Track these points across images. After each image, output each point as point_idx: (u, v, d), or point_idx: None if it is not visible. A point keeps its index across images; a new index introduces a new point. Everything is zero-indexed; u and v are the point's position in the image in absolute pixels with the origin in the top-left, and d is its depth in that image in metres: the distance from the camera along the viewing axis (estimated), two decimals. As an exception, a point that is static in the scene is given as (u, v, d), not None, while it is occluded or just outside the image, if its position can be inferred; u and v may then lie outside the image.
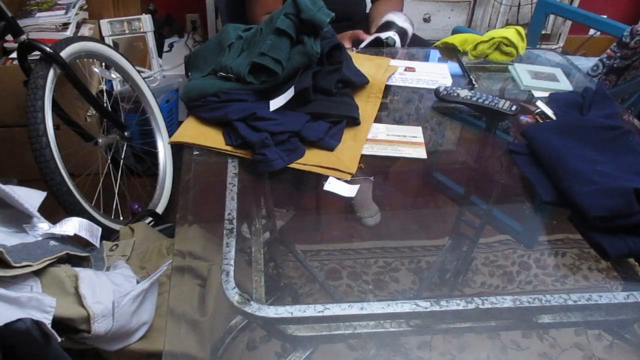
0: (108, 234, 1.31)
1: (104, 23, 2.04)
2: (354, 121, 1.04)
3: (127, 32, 2.10)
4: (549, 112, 1.11)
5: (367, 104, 1.10)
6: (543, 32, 2.73)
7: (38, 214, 0.98)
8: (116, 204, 1.74)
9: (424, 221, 1.00)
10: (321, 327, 0.70)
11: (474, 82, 1.25)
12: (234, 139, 0.96)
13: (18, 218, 0.98)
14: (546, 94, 1.20)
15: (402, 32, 1.44)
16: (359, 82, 1.13)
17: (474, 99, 1.11)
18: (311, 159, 0.95)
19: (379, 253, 1.05)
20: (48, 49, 1.39)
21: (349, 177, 0.92)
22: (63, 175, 1.31)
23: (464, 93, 1.13)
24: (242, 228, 0.82)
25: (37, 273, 0.87)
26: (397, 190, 1.04)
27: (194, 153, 0.97)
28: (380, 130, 1.06)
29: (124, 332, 0.92)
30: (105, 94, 1.85)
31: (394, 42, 1.38)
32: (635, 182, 0.83)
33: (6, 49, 1.76)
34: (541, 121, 1.11)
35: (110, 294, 0.90)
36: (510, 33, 1.32)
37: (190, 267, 0.79)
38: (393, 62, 1.31)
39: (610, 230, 0.81)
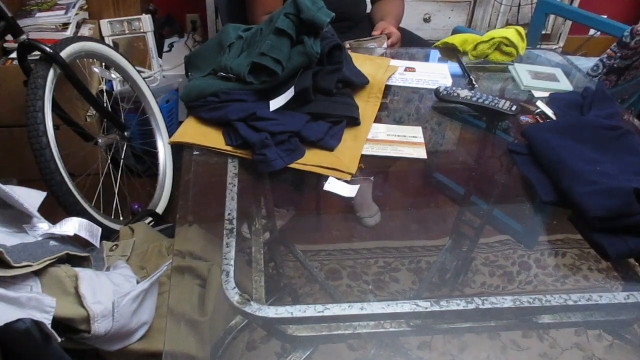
0: (108, 234, 1.31)
1: (104, 23, 2.04)
2: (354, 121, 1.04)
3: (127, 32, 2.10)
4: (549, 112, 1.11)
5: (367, 104, 1.10)
6: (543, 32, 2.73)
7: (38, 214, 0.98)
8: (116, 204, 1.74)
9: (424, 221, 1.00)
10: (321, 327, 0.70)
11: (474, 82, 1.25)
12: (234, 139, 0.96)
13: (18, 218, 0.97)
14: (546, 94, 1.20)
15: None
16: (359, 82, 1.13)
17: (474, 99, 1.11)
18: (311, 159, 0.95)
19: (379, 253, 1.05)
20: (48, 49, 1.39)
21: (349, 177, 0.92)
22: (63, 175, 1.31)
23: (464, 93, 1.13)
24: (242, 228, 0.82)
25: (37, 273, 0.87)
26: (397, 190, 1.04)
27: (194, 153, 0.97)
28: (380, 130, 1.06)
29: (124, 332, 0.92)
30: (105, 94, 1.85)
31: None
32: (635, 182, 0.83)
33: (6, 49, 1.76)
34: (541, 121, 1.11)
35: (110, 294, 0.90)
36: (510, 33, 1.32)
37: (190, 267, 0.79)
38: (393, 62, 1.31)
39: (610, 231, 0.81)
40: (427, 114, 1.15)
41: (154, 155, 1.85)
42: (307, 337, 0.69)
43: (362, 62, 1.21)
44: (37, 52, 1.40)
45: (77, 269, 0.92)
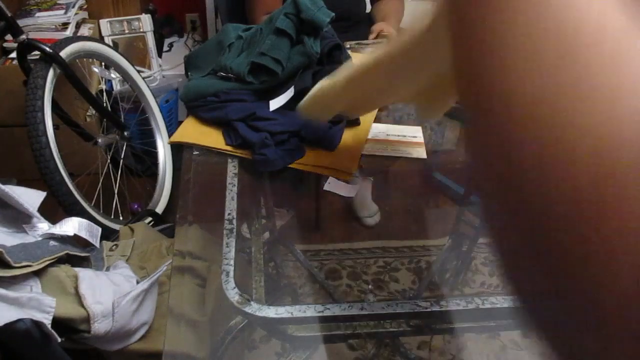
0: (108, 234, 1.31)
1: (104, 23, 2.04)
2: (354, 121, 1.04)
3: (126, 32, 2.10)
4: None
5: (367, 103, 1.10)
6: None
7: (38, 214, 0.98)
8: (116, 204, 1.74)
9: (424, 221, 1.00)
10: (321, 327, 0.70)
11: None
12: (234, 139, 0.96)
13: (18, 218, 0.97)
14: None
15: None
16: (359, 82, 1.13)
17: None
18: (311, 159, 0.95)
19: (379, 253, 1.05)
20: (48, 48, 1.39)
21: (349, 177, 0.92)
22: (63, 175, 1.31)
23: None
24: (242, 228, 0.82)
25: (37, 273, 0.87)
26: (397, 190, 1.04)
27: (194, 153, 0.97)
28: (380, 130, 1.06)
29: (124, 332, 0.92)
30: (104, 93, 1.85)
31: None
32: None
33: (6, 48, 1.76)
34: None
35: (110, 294, 0.90)
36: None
37: (190, 267, 0.79)
38: (393, 62, 1.31)
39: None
40: (427, 113, 1.15)
41: (154, 155, 1.85)
42: (307, 337, 0.69)
43: (362, 62, 1.21)
44: (36, 52, 1.40)
45: (77, 269, 0.93)
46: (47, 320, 0.79)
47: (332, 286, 0.73)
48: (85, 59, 1.74)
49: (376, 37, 1.54)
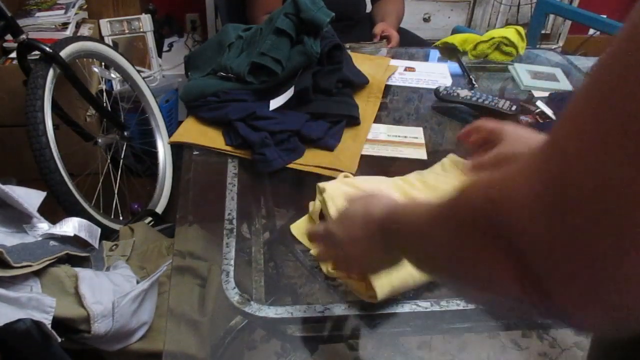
0: (108, 234, 1.31)
1: (104, 23, 2.04)
2: (354, 121, 1.04)
3: (126, 31, 2.09)
4: (549, 112, 1.11)
5: (367, 103, 1.10)
6: (543, 32, 2.73)
7: (38, 214, 0.98)
8: (116, 203, 1.73)
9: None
10: (321, 327, 0.70)
11: (474, 82, 1.25)
12: (234, 139, 0.96)
13: (18, 218, 0.97)
14: (546, 94, 1.20)
15: None
16: (359, 82, 1.13)
17: (474, 99, 1.11)
18: (311, 159, 0.95)
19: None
20: (47, 48, 1.39)
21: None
22: (63, 175, 1.31)
23: (464, 93, 1.13)
24: (242, 228, 0.82)
25: (37, 273, 0.87)
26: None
27: (194, 153, 0.97)
28: (381, 131, 1.06)
29: (124, 332, 0.92)
30: (104, 93, 1.85)
31: None
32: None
33: (6, 48, 1.76)
34: (541, 121, 1.11)
35: (110, 294, 0.90)
36: (510, 33, 1.32)
37: (190, 267, 0.79)
38: (393, 62, 1.31)
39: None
40: (427, 113, 1.15)
41: (154, 155, 1.85)
42: (307, 337, 0.69)
43: (362, 62, 1.21)
44: (36, 52, 1.40)
45: (77, 269, 0.93)
46: (47, 320, 0.79)
47: (332, 286, 0.73)
48: (85, 59, 1.74)
49: (380, 39, 1.54)
